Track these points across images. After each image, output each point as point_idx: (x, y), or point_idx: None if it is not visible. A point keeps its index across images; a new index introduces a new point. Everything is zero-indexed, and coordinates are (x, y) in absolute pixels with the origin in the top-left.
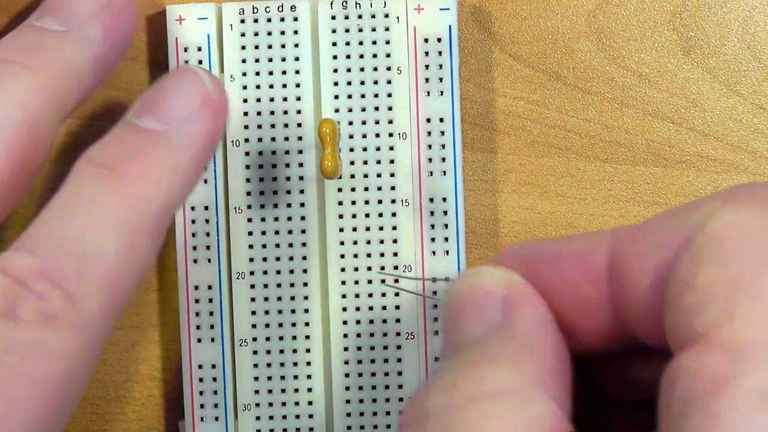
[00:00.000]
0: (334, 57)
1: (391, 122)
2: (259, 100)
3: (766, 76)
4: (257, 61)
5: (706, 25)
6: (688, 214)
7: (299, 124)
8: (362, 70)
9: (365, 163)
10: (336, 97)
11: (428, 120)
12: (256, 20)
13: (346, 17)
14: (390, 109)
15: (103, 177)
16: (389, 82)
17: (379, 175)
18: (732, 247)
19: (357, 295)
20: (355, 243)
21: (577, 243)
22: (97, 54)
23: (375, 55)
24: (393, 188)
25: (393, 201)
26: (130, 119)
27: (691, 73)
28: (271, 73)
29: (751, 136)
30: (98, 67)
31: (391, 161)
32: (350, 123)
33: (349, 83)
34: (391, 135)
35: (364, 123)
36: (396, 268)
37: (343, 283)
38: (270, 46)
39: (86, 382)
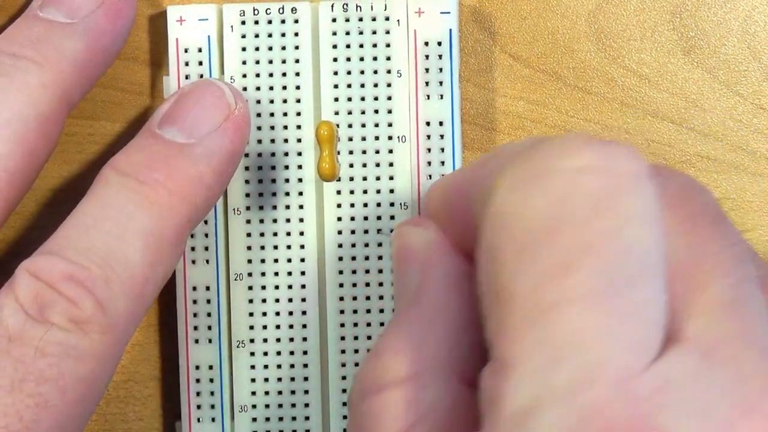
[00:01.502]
0: (335, 59)
1: (390, 125)
2: (259, 101)
3: (766, 76)
4: (257, 62)
5: (706, 25)
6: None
7: (299, 126)
8: (362, 72)
9: (364, 165)
10: (336, 99)
11: (428, 123)
12: (256, 22)
13: (347, 20)
14: (390, 112)
15: (129, 186)
16: (389, 85)
17: (378, 178)
18: (503, 251)
19: (354, 298)
20: (353, 246)
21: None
22: (103, 45)
23: (375, 58)
24: (392, 191)
25: (392, 204)
26: (154, 130)
27: (691, 73)
28: (271, 75)
29: (751, 136)
30: (104, 58)
31: (390, 164)
32: (350, 125)
33: (349, 86)
34: (390, 138)
35: (363, 126)
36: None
37: (341, 285)
38: (270, 48)
39: (108, 384)
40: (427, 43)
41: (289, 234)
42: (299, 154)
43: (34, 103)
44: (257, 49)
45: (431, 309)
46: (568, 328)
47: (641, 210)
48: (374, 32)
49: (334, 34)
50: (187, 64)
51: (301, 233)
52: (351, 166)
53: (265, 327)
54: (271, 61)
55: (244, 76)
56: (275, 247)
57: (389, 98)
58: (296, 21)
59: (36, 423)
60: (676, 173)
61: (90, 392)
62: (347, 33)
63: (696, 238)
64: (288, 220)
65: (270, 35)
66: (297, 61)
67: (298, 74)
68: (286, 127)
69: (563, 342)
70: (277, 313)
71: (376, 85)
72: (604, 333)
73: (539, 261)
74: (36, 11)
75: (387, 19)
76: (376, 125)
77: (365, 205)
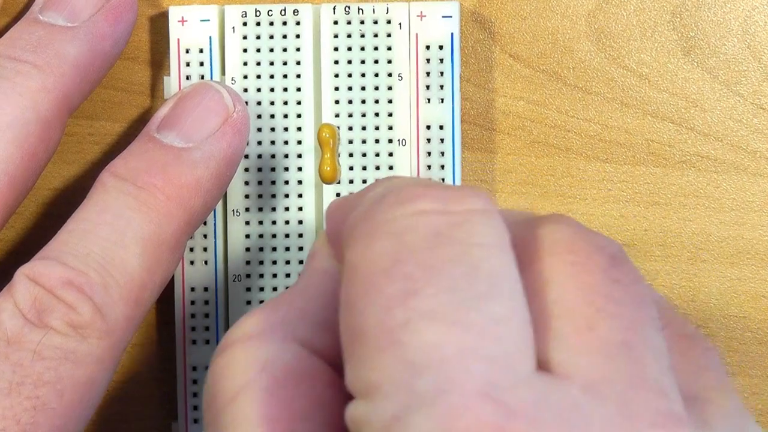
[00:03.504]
0: (336, 62)
1: (391, 128)
2: (259, 103)
3: (766, 76)
4: (258, 64)
5: (706, 25)
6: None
7: (299, 128)
8: (363, 75)
9: (364, 168)
10: (336, 102)
11: (428, 127)
12: (258, 23)
13: (349, 22)
14: (390, 115)
15: (128, 191)
16: (390, 88)
17: None
18: (352, 296)
19: None
20: None
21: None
22: (103, 48)
23: (376, 61)
24: None
25: None
26: (152, 134)
27: (691, 73)
28: (272, 77)
29: (751, 136)
30: (104, 62)
31: (390, 167)
32: (350, 128)
33: (349, 88)
34: (390, 141)
35: (364, 128)
36: None
37: None
38: (272, 50)
39: (106, 388)
40: (428, 47)
41: (288, 236)
42: (299, 156)
43: (34, 107)
44: (258, 50)
45: (298, 288)
46: (422, 343)
47: (486, 238)
48: (376, 35)
49: (336, 36)
50: (188, 64)
51: (300, 235)
52: (351, 168)
53: None
54: (272, 63)
55: (245, 77)
56: (274, 249)
57: (390, 101)
58: (298, 23)
59: (34, 426)
60: (551, 222)
61: (88, 395)
62: (349, 35)
63: (585, 281)
64: (287, 222)
65: (271, 37)
66: (298, 63)
67: (299, 76)
68: (286, 129)
69: (420, 357)
70: None
71: (377, 88)
72: (461, 347)
73: (384, 292)
74: (36, 15)
75: (389, 22)
76: (377, 128)
77: None
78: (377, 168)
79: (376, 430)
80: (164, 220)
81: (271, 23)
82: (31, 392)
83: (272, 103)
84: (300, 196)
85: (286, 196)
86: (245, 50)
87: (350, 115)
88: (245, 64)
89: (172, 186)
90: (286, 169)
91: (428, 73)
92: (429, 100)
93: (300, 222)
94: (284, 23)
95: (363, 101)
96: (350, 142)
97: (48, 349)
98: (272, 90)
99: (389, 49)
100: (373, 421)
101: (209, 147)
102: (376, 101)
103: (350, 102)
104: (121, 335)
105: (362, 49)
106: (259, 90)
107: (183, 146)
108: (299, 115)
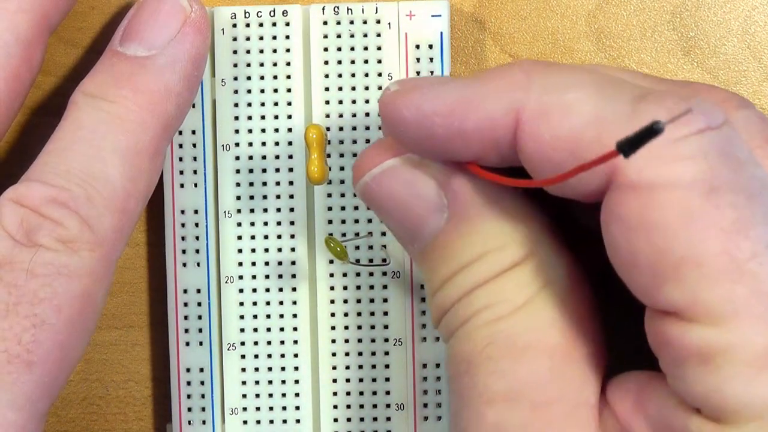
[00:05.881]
0: (326, 62)
1: (381, 128)
2: (249, 104)
3: (766, 76)
4: (248, 65)
5: (706, 25)
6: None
7: (290, 129)
8: (353, 75)
9: None
10: (327, 102)
11: None
12: (248, 25)
13: (338, 23)
14: (380, 114)
15: (99, 106)
16: (380, 88)
17: None
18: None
19: (345, 301)
20: (344, 248)
21: (478, 113)
22: None
23: (366, 61)
24: None
25: None
26: (116, 48)
27: (691, 73)
28: (262, 78)
29: None
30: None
31: None
32: (340, 129)
33: (339, 89)
34: None
35: (354, 129)
36: (384, 274)
37: (332, 288)
38: (261, 51)
39: (104, 303)
40: (418, 46)
41: (279, 237)
42: (290, 157)
43: (13, 29)
44: (248, 51)
45: None
46: None
47: None
48: (365, 35)
49: (325, 36)
50: None
51: (292, 236)
52: (342, 169)
53: (255, 330)
54: (262, 64)
55: (236, 78)
56: (266, 250)
57: None
58: (287, 24)
59: (36, 344)
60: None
61: (86, 310)
62: (338, 36)
63: None
64: (279, 223)
65: (261, 38)
66: (288, 63)
67: (289, 77)
68: (277, 130)
69: None
70: (268, 316)
71: (367, 88)
72: None
73: (715, 221)
74: None
75: (378, 21)
76: (367, 128)
77: (356, 208)
78: None
79: (747, 358)
80: (139, 128)
81: (261, 24)
82: (28, 311)
83: (263, 105)
84: (291, 197)
85: (278, 197)
86: (235, 52)
87: (340, 116)
88: (235, 65)
89: (142, 94)
90: (277, 170)
91: (418, 73)
92: None
93: (291, 223)
94: (274, 24)
95: (353, 101)
96: (341, 142)
97: (40, 266)
98: (262, 91)
99: (379, 49)
100: (738, 348)
101: (172, 51)
102: (366, 101)
103: (340, 102)
104: (111, 246)
105: (352, 49)
106: (249, 91)
107: (147, 54)
108: (289, 116)
